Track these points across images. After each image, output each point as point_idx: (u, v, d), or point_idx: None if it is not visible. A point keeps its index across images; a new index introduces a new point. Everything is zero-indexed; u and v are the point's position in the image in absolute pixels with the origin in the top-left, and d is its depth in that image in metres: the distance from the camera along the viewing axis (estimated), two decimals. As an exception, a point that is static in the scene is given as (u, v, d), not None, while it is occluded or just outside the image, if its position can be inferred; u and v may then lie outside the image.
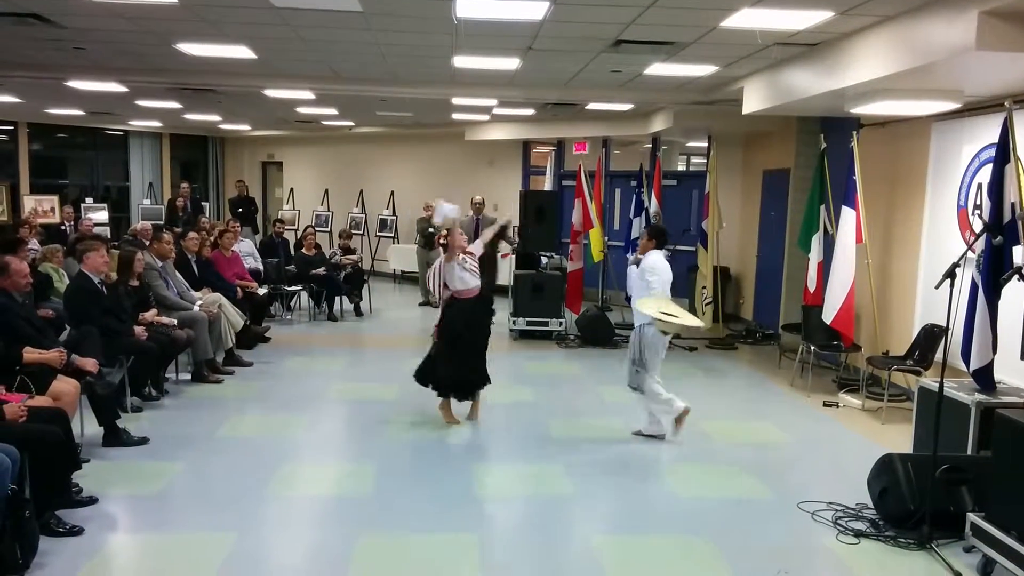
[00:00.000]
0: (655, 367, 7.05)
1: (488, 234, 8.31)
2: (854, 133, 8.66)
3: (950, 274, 5.21)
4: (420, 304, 14.30)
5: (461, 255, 7.36)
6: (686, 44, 7.61)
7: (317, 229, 14.91)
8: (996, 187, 5.94)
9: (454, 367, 7.34)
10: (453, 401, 7.49)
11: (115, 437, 6.54)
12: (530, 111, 14.00)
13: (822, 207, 9.24)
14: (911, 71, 6.09)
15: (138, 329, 7.36)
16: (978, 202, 7.29)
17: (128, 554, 4.95)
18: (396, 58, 9.14)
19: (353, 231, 16.33)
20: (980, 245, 6.04)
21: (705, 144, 14.52)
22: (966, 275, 5.85)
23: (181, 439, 6.84)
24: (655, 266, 6.99)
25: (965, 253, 5.53)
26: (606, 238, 12.85)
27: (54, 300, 8.59)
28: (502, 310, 10.48)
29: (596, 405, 8.20)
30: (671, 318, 6.73)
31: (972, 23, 5.19)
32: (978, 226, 6.84)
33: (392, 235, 18.27)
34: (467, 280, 7.36)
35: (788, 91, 8.16)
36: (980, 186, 7.24)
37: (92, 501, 5.38)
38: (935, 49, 5.68)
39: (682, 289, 12.78)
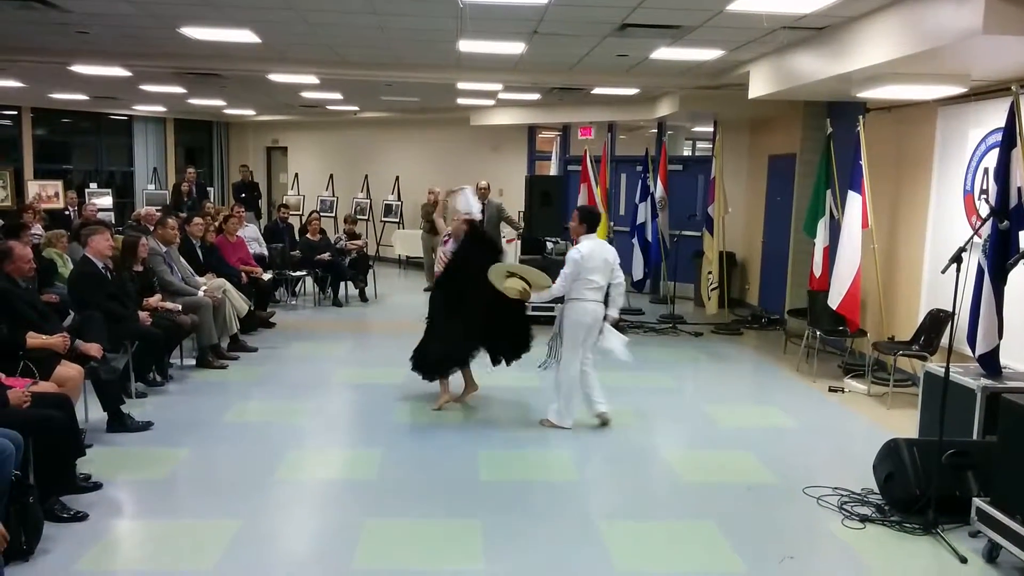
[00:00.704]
0: (572, 349, 6.92)
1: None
2: (860, 118, 8.61)
3: (956, 259, 5.18)
4: (425, 290, 14.23)
5: (449, 241, 7.62)
6: (692, 28, 7.57)
7: (322, 214, 14.90)
8: (1003, 171, 5.90)
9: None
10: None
11: (119, 422, 6.55)
12: (535, 96, 13.96)
13: (828, 192, 9.21)
14: (918, 55, 6.05)
15: (142, 315, 7.36)
16: (984, 187, 7.24)
17: (133, 539, 4.96)
18: (401, 42, 9.11)
19: (358, 216, 16.34)
20: (986, 230, 6.01)
21: (711, 129, 14.49)
22: (972, 260, 5.82)
23: (186, 425, 6.85)
24: (581, 256, 6.76)
25: (971, 238, 5.50)
26: (611, 223, 12.84)
27: (58, 285, 8.59)
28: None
29: (601, 390, 8.17)
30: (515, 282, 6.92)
31: (979, 6, 5.14)
32: (984, 211, 6.80)
33: (397, 220, 18.25)
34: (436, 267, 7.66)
35: (794, 75, 8.12)
36: (986, 171, 7.20)
37: (96, 487, 5.39)
38: (942, 33, 5.64)
39: (688, 274, 12.81)
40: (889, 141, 8.97)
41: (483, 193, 12.55)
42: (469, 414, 7.41)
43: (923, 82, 6.96)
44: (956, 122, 7.85)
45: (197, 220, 9.95)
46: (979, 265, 6.03)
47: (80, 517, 4.94)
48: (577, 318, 6.85)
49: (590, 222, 6.98)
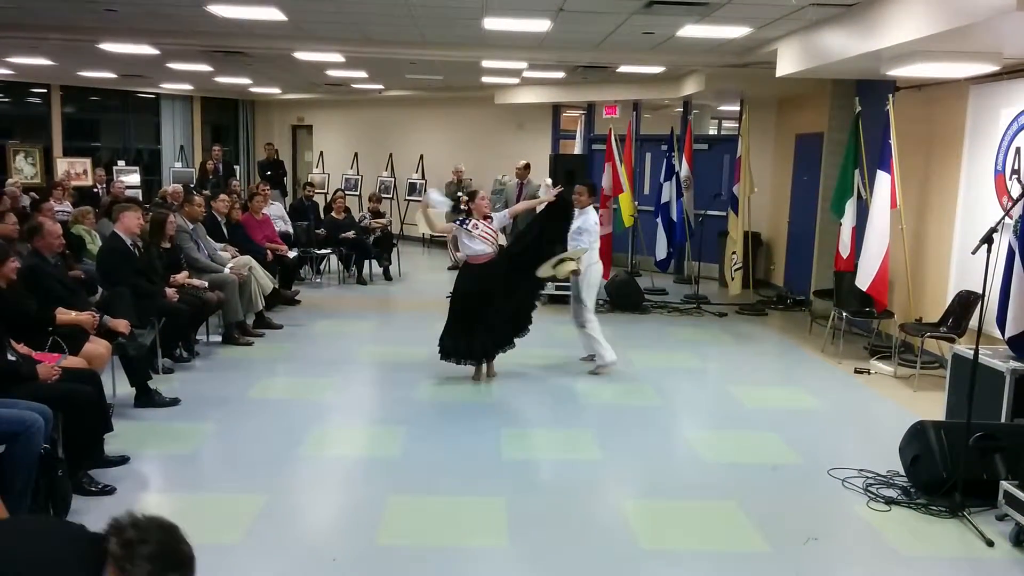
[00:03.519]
0: (592, 301, 8.05)
1: (520, 207, 8.40)
2: (890, 96, 8.50)
3: (987, 239, 5.11)
4: (449, 268, 14.28)
5: (472, 221, 7.52)
6: (719, 4, 7.48)
7: (346, 193, 14.92)
8: (1036, 151, 5.82)
9: (447, 330, 7.54)
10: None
11: (147, 398, 6.62)
12: (560, 74, 13.87)
13: (856, 171, 9.11)
14: (950, 32, 5.94)
15: (169, 291, 7.42)
16: (1016, 166, 7.14)
17: (159, 513, 4.94)
18: (426, 20, 9.06)
19: (382, 195, 16.34)
20: (1017, 210, 5.92)
21: (737, 108, 14.36)
22: (1003, 241, 5.74)
23: (212, 400, 6.91)
24: (595, 226, 8.04)
25: (1003, 218, 5.43)
26: (636, 203, 12.79)
27: (87, 262, 8.67)
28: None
29: (625, 369, 8.17)
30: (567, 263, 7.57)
31: (1014, -18, 5.04)
32: (1016, 191, 6.71)
33: (421, 199, 18.22)
34: (474, 247, 7.49)
35: (823, 53, 8.02)
36: (1018, 150, 7.10)
37: (124, 461, 5.45)
38: (975, 9, 5.53)
39: (713, 254, 12.75)
40: (919, 120, 8.85)
41: (521, 173, 12.59)
42: (492, 392, 7.43)
43: (954, 60, 6.84)
44: (988, 101, 7.73)
45: (223, 197, 10.01)
46: (1010, 246, 5.95)
47: (108, 491, 5.01)
48: (596, 279, 8.17)
49: (596, 195, 8.62)
